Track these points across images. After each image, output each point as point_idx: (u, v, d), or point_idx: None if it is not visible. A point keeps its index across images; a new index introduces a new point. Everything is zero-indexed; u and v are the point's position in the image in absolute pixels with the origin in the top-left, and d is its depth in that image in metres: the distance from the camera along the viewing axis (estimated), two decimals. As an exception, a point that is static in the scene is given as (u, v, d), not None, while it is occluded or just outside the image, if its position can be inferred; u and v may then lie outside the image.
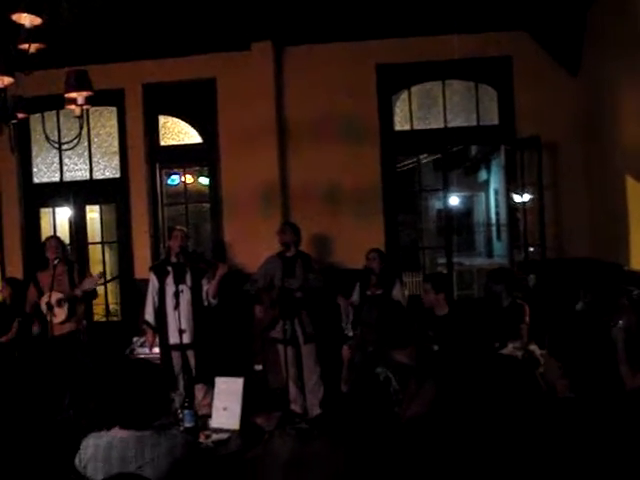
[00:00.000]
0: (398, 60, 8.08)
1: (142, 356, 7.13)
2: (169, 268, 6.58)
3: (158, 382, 3.08)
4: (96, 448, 2.93)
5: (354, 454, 4.58)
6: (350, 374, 6.05)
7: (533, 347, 5.51)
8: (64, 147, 4.80)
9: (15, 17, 3.87)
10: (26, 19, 3.85)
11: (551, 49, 7.74)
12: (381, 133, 8.19)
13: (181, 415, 4.20)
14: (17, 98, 4.36)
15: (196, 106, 8.62)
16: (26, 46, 4.06)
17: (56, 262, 6.73)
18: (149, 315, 6.71)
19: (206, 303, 6.59)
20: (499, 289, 6.08)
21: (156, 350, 6.83)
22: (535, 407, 2.88)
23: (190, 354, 6.58)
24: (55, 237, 7.28)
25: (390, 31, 7.91)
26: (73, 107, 4.36)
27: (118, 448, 2.89)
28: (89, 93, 4.22)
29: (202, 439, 4.03)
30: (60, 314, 6.68)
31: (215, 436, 4.09)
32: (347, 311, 6.93)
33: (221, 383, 4.45)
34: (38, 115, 7.11)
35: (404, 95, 8.41)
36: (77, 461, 2.99)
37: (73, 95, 4.23)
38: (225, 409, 4.33)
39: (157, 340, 6.71)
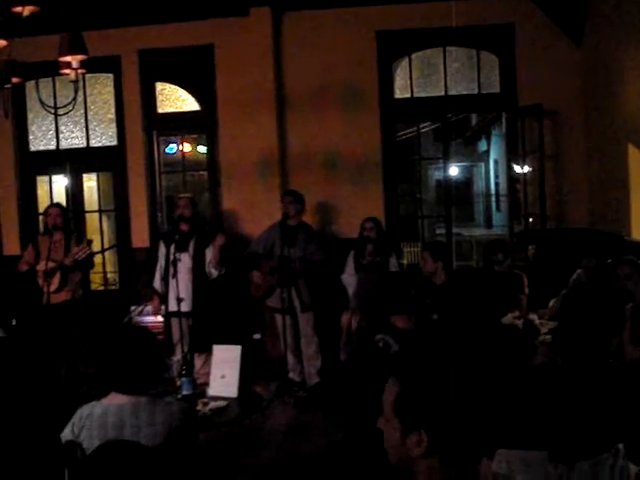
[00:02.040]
0: (398, 26, 7.96)
1: (143, 324, 7.15)
2: (175, 236, 6.58)
3: (154, 347, 3.06)
4: (90, 416, 2.91)
5: (352, 423, 4.59)
6: (348, 341, 6.03)
7: (533, 316, 5.50)
8: (59, 112, 4.72)
9: (7, -22, 3.79)
10: (19, -20, 3.77)
11: (554, 17, 7.63)
12: (381, 100, 8.11)
13: (179, 383, 4.18)
14: (11, 62, 4.30)
15: (194, 73, 8.51)
16: (20, 9, 3.98)
17: (54, 230, 6.69)
18: (156, 282, 6.78)
19: (207, 272, 6.59)
20: (496, 259, 6.09)
21: (159, 318, 6.87)
22: (534, 374, 2.86)
23: (188, 322, 6.58)
24: (56, 205, 7.21)
25: (391, -3, 7.80)
26: (68, 71, 4.28)
27: (113, 415, 2.87)
28: (84, 57, 4.14)
29: (200, 407, 4.01)
30: (53, 283, 6.64)
31: (213, 404, 4.06)
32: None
33: (219, 351, 4.43)
34: (34, 82, 7.04)
35: (404, 62, 8.30)
36: (68, 430, 2.95)
37: (67, 59, 4.15)
38: (223, 377, 4.31)
39: (163, 307, 6.75)
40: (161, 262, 6.72)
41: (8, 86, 4.38)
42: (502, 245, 6.45)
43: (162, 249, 6.74)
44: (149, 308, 7.25)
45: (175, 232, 6.64)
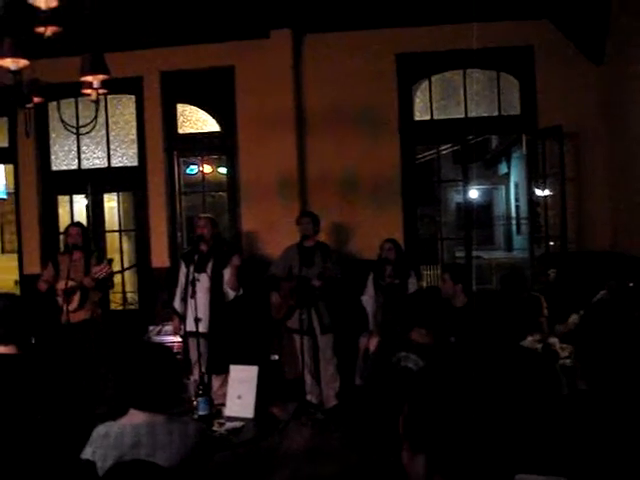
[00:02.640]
0: (418, 49, 8.00)
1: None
2: (195, 256, 6.59)
3: (171, 364, 3.04)
4: (107, 436, 2.89)
5: (369, 447, 4.54)
6: (365, 365, 6.00)
7: (553, 340, 5.42)
8: (81, 131, 4.76)
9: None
10: (41, 1, 3.82)
11: (574, 38, 7.62)
12: (400, 123, 8.12)
13: (195, 403, 4.16)
14: (33, 81, 4.34)
15: (214, 94, 8.57)
16: (42, 29, 4.03)
17: (73, 249, 6.71)
18: (176, 302, 6.77)
19: (225, 292, 6.58)
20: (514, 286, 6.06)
21: (178, 338, 6.88)
22: (553, 399, 2.81)
23: (206, 343, 6.56)
24: (76, 224, 7.24)
25: (410, 20, 7.83)
26: (89, 91, 4.32)
27: (130, 435, 2.85)
28: (105, 77, 4.18)
29: (216, 427, 3.99)
30: (73, 302, 6.66)
31: (229, 424, 4.04)
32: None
33: (235, 371, 4.41)
34: (56, 103, 7.11)
35: (424, 84, 8.32)
36: (87, 452, 2.94)
37: (89, 78, 4.20)
38: (239, 397, 4.28)
39: (183, 328, 6.76)
40: (182, 282, 6.73)
41: (30, 105, 4.42)
42: (517, 276, 6.42)
43: (183, 269, 6.74)
44: (167, 328, 7.26)
45: (196, 252, 6.65)
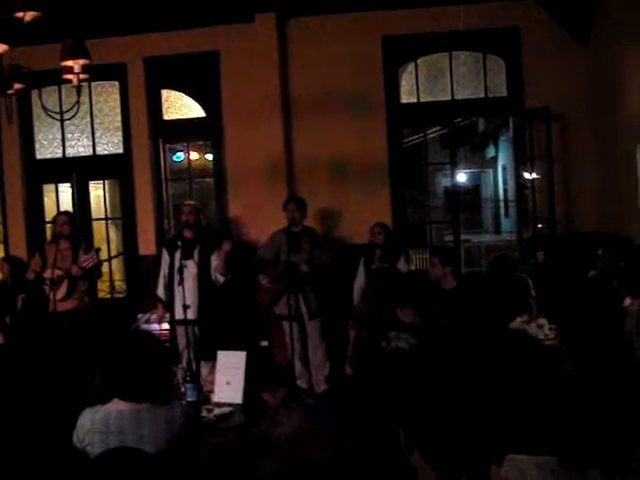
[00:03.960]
0: (404, 31, 7.93)
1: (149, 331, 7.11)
2: (179, 243, 6.55)
3: (160, 354, 3.01)
4: (92, 422, 2.87)
5: (359, 431, 4.54)
6: (355, 354, 5.98)
7: (542, 321, 5.42)
8: (64, 117, 4.70)
9: (9, -17, 3.77)
10: (20, -15, 3.75)
11: (560, 18, 7.58)
12: (387, 106, 8.07)
13: (183, 389, 4.14)
14: (13, 67, 4.28)
15: (199, 79, 8.50)
16: (21, 14, 3.96)
17: (60, 238, 6.67)
18: (160, 290, 6.74)
19: (213, 279, 6.55)
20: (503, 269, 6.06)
21: (166, 325, 6.83)
22: (541, 380, 2.80)
23: (195, 330, 6.54)
24: (65, 213, 7.20)
25: (396, 2, 7.77)
26: (70, 76, 4.26)
27: (115, 420, 2.83)
28: (86, 61, 4.12)
29: (204, 413, 3.97)
30: (60, 291, 6.62)
31: (217, 410, 4.02)
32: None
33: (223, 357, 4.38)
34: (38, 91, 7.04)
35: (410, 67, 8.27)
36: (75, 437, 2.93)
37: (69, 63, 4.14)
38: (228, 383, 4.26)
39: (168, 316, 6.71)
40: (164, 270, 6.69)
41: (11, 92, 4.36)
42: (505, 259, 6.42)
43: (165, 256, 6.71)
44: (156, 316, 7.22)
45: (179, 239, 6.61)
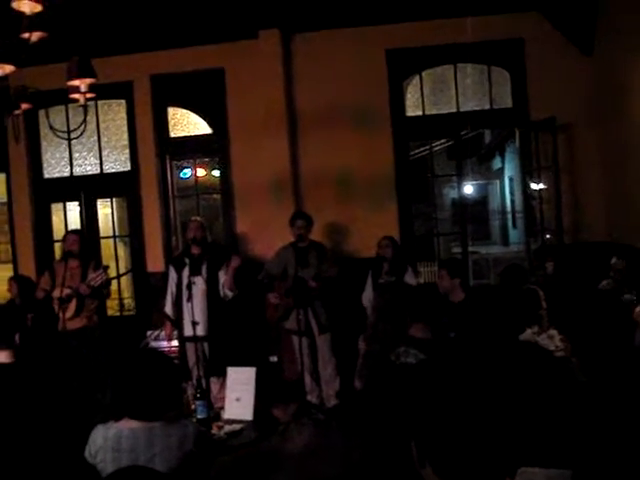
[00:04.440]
0: (408, 44, 7.95)
1: (159, 349, 7.10)
2: (186, 260, 6.56)
3: (170, 372, 3.00)
4: (105, 439, 2.86)
5: (370, 446, 4.51)
6: (364, 367, 5.97)
7: (552, 332, 5.39)
8: (71, 136, 4.72)
9: (15, 4, 3.80)
10: (26, 6, 3.78)
11: (564, 29, 7.59)
12: (392, 119, 8.08)
13: (193, 406, 4.13)
14: (20, 88, 4.30)
15: (205, 96, 8.53)
16: (27, 35, 3.99)
17: (69, 257, 6.67)
18: (168, 307, 6.73)
19: (222, 295, 6.54)
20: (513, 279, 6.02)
21: (174, 343, 6.82)
22: (555, 391, 2.78)
23: (204, 346, 6.53)
24: (75, 231, 7.23)
25: (400, 15, 7.79)
26: (77, 96, 4.28)
27: (127, 439, 2.82)
28: (92, 80, 4.14)
29: (215, 430, 3.95)
30: (69, 310, 6.63)
31: (228, 427, 4.01)
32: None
33: (233, 373, 4.38)
34: (44, 111, 7.07)
35: (415, 80, 8.28)
36: (87, 453, 2.93)
37: (76, 82, 4.16)
38: (238, 400, 4.25)
39: (176, 333, 6.70)
40: (172, 287, 6.69)
41: (18, 112, 4.38)
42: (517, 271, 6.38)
43: (173, 274, 6.70)
44: (164, 334, 7.21)
45: (186, 256, 6.62)
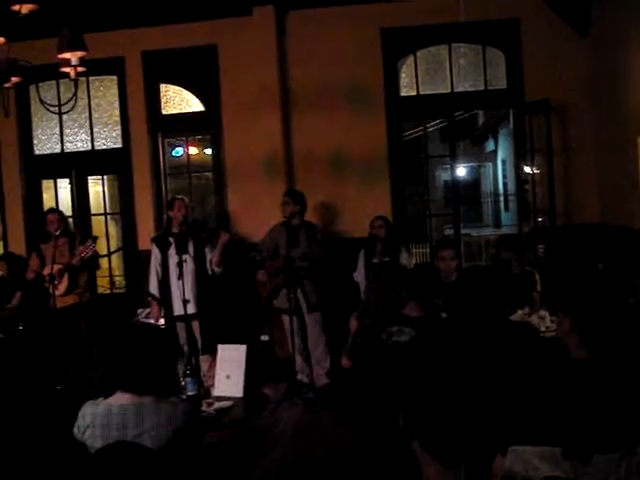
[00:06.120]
0: (403, 24, 7.89)
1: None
2: (171, 239, 6.51)
3: (165, 346, 2.98)
4: (93, 415, 2.84)
5: (361, 424, 4.52)
6: (353, 345, 5.98)
7: (544, 313, 5.41)
8: (62, 110, 4.66)
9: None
10: (16, -23, 3.72)
11: (560, 10, 7.55)
12: (386, 99, 8.04)
13: (183, 383, 4.12)
14: (10, 60, 4.24)
15: (198, 73, 8.46)
16: (17, 7, 3.93)
17: (57, 234, 6.66)
18: (153, 287, 6.66)
19: (210, 272, 6.52)
20: (509, 256, 6.00)
21: (161, 322, 6.78)
22: (547, 369, 2.79)
23: (195, 325, 6.51)
24: (54, 211, 7.23)
25: (395, -6, 7.73)
26: (68, 69, 4.23)
27: (116, 415, 2.80)
28: (83, 53, 4.09)
29: (204, 407, 3.94)
30: (61, 286, 6.62)
31: (218, 404, 3.99)
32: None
33: (223, 351, 4.36)
34: (34, 86, 7.00)
35: (410, 60, 8.23)
36: (76, 430, 2.91)
37: (67, 55, 4.10)
38: (228, 377, 4.23)
39: (162, 312, 6.66)
40: (156, 266, 6.61)
41: (8, 85, 4.33)
42: (516, 242, 6.35)
43: (156, 253, 6.63)
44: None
45: (168, 234, 6.56)
